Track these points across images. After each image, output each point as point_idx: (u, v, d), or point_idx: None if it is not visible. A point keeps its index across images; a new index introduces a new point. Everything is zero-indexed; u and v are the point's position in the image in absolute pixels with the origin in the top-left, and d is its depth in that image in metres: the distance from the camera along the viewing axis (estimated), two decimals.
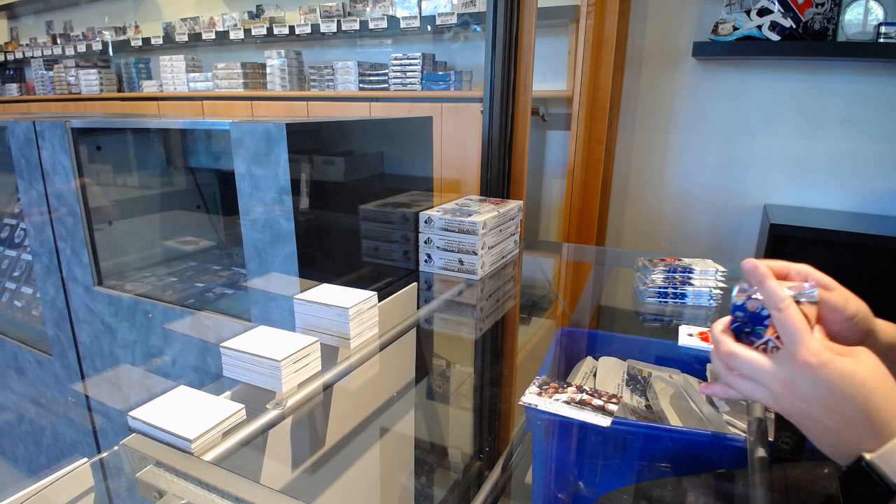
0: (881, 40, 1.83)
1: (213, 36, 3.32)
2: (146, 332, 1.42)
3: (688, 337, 0.94)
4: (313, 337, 0.79)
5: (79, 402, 1.68)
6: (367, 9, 2.84)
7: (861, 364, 0.48)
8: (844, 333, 0.58)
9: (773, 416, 0.73)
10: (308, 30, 2.96)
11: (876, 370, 0.48)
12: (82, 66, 3.91)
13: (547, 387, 0.73)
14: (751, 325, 0.54)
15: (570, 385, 0.73)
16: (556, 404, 0.69)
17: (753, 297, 0.54)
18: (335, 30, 2.85)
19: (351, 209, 1.22)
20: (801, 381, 0.49)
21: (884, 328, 0.60)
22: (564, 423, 0.71)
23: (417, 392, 1.28)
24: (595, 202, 2.27)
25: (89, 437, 1.68)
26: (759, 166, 2.21)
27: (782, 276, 0.60)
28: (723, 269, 1.17)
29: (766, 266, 0.55)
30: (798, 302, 0.53)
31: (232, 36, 3.26)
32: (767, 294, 0.53)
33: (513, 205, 1.43)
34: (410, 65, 2.60)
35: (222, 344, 0.76)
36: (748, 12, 1.97)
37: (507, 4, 1.49)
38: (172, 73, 3.43)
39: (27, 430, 1.92)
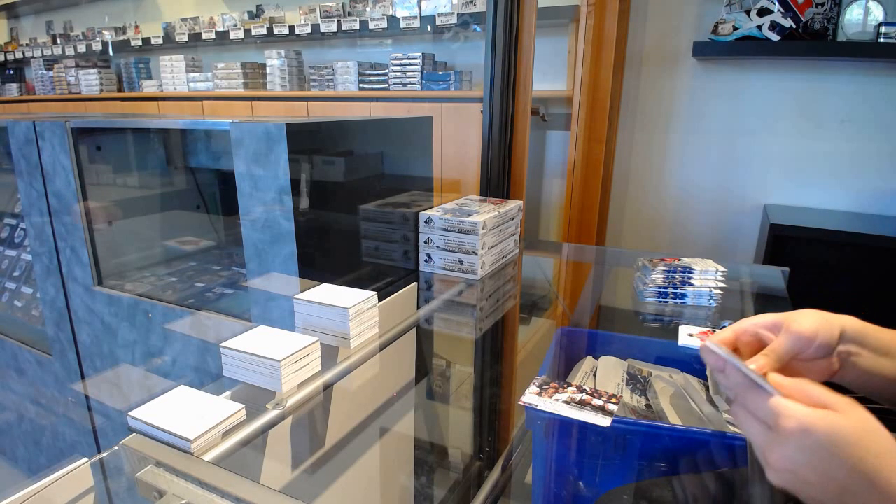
0: (881, 40, 1.84)
1: (213, 36, 3.32)
2: (146, 332, 1.42)
3: (688, 337, 0.94)
4: (313, 337, 0.79)
5: (79, 402, 1.68)
6: (367, 9, 2.84)
7: (846, 418, 0.44)
8: (819, 357, 0.56)
9: None
10: (308, 30, 2.96)
11: (863, 423, 0.44)
12: (82, 66, 3.91)
13: (547, 387, 0.73)
14: None
15: (570, 385, 0.73)
16: (556, 404, 0.69)
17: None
18: (335, 30, 2.85)
19: (351, 209, 1.22)
20: (786, 449, 0.46)
21: (875, 336, 0.58)
22: (564, 423, 0.71)
23: (417, 392, 1.28)
24: (595, 202, 2.27)
25: (89, 437, 1.68)
26: (759, 166, 2.21)
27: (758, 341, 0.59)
28: (723, 269, 1.17)
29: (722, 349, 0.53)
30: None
31: (232, 36, 3.26)
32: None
33: (513, 205, 1.43)
34: (410, 65, 2.61)
35: (222, 344, 0.76)
36: (748, 12, 1.97)
37: (507, 4, 1.49)
38: (172, 73, 3.43)
39: (27, 430, 1.92)
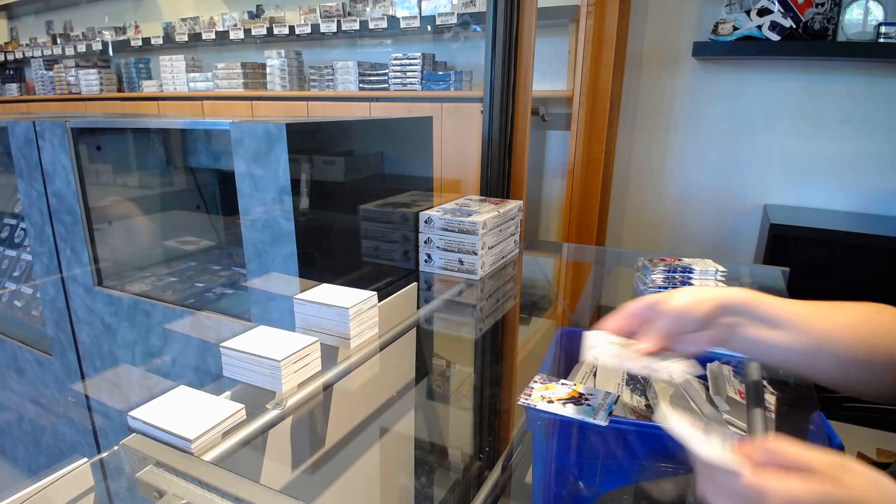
0: (881, 40, 1.83)
1: (213, 36, 3.32)
2: (146, 332, 1.42)
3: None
4: (313, 337, 0.79)
5: (79, 402, 1.68)
6: (367, 9, 2.84)
7: (842, 486, 0.37)
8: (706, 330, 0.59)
9: (773, 415, 0.73)
10: (308, 30, 2.96)
11: (865, 488, 0.38)
12: (82, 66, 3.91)
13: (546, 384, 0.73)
14: None
15: (567, 383, 0.73)
16: (556, 404, 0.69)
17: None
18: (335, 30, 2.85)
19: (351, 209, 1.22)
20: None
21: (766, 307, 0.59)
22: (564, 423, 0.71)
23: (417, 392, 1.28)
24: (595, 202, 2.27)
25: (89, 437, 1.68)
26: (759, 166, 2.21)
27: (630, 328, 0.63)
28: (723, 269, 1.17)
29: None
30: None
31: (232, 36, 3.26)
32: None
33: (513, 205, 1.43)
34: (410, 65, 2.60)
35: (222, 344, 0.76)
36: (748, 12, 1.97)
37: (507, 4, 1.49)
38: (172, 73, 3.43)
39: (27, 430, 1.92)
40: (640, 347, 0.60)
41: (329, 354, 0.85)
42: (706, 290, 0.60)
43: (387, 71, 2.69)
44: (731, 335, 0.59)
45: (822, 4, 1.94)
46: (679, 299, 0.59)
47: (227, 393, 0.75)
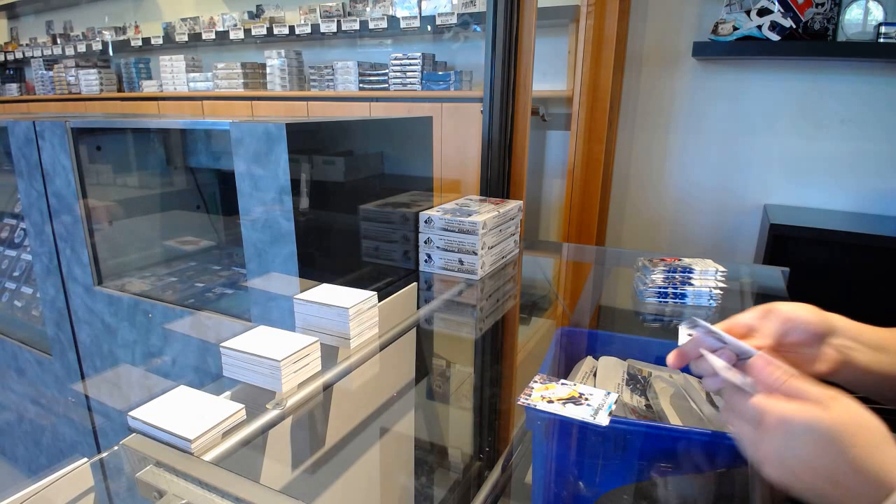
0: (881, 40, 1.84)
1: (213, 36, 3.32)
2: (146, 332, 1.42)
3: (687, 337, 0.94)
4: (313, 337, 0.79)
5: (79, 402, 1.68)
6: (367, 9, 2.84)
7: (828, 411, 0.44)
8: (809, 349, 0.57)
9: None
10: (308, 30, 2.96)
11: (847, 415, 0.43)
12: (82, 66, 3.91)
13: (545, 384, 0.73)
14: None
15: (565, 383, 0.73)
16: (555, 404, 0.69)
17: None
18: (335, 30, 2.85)
19: (351, 209, 1.22)
20: (771, 444, 0.46)
21: (869, 332, 0.58)
22: (564, 423, 0.71)
23: (417, 392, 1.28)
24: (595, 202, 2.27)
25: (89, 437, 1.68)
26: (759, 166, 2.21)
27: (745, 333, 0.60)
28: (723, 269, 1.17)
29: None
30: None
31: (232, 36, 3.26)
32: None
33: (513, 205, 1.43)
34: (410, 65, 2.61)
35: (222, 344, 0.76)
36: (748, 12, 1.97)
37: (507, 4, 1.49)
38: (172, 73, 3.43)
39: (27, 430, 1.92)
40: (753, 343, 0.56)
41: (329, 354, 0.85)
42: (818, 308, 0.59)
43: (387, 71, 2.69)
44: (845, 361, 0.58)
45: (822, 4, 1.94)
46: (792, 307, 0.59)
47: (227, 393, 0.75)
